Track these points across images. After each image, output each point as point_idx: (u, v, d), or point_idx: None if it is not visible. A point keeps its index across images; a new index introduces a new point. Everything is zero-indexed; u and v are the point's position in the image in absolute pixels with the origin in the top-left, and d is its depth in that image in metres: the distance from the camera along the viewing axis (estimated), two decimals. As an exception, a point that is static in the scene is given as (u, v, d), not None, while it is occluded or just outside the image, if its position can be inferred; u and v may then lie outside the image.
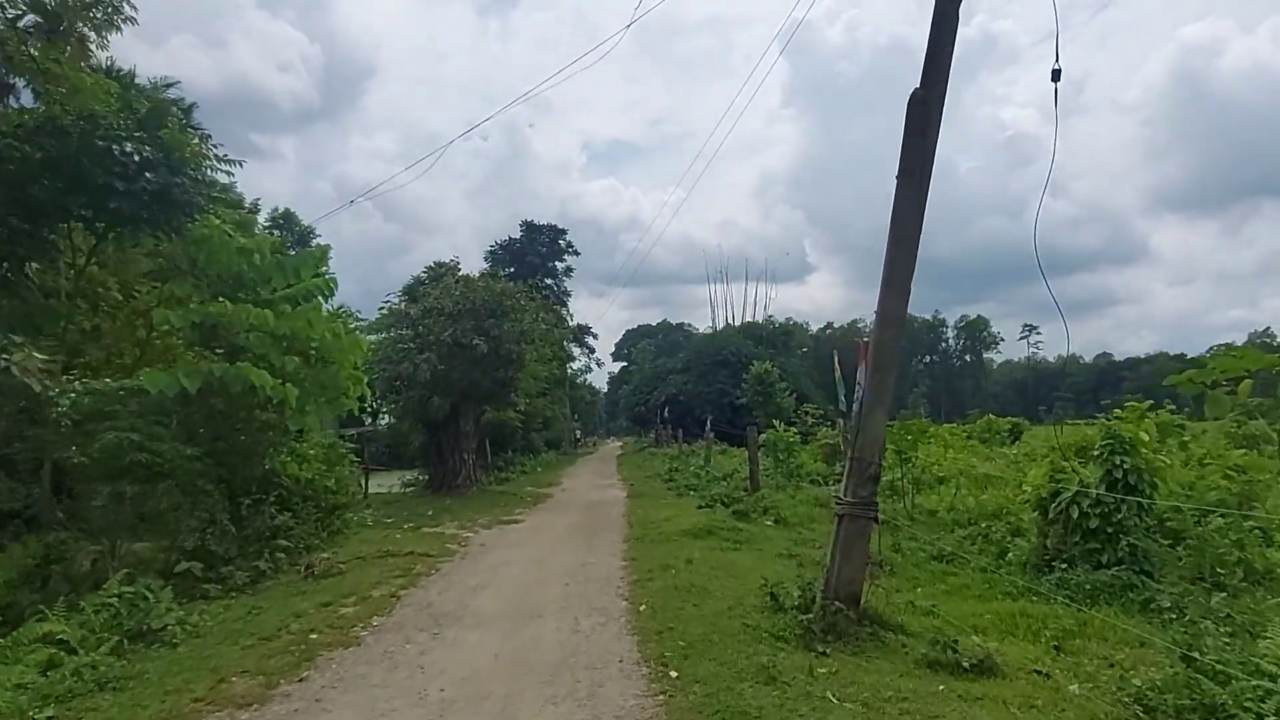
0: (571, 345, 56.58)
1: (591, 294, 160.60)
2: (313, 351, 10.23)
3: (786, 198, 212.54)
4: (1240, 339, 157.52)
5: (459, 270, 20.76)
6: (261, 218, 47.45)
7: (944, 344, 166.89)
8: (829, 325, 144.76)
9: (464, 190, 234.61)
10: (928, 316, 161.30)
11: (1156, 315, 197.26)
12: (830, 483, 19.10)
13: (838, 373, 12.56)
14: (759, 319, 53.14)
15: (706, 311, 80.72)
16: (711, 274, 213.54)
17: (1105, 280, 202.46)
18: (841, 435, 8.83)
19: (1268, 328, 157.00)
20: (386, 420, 24.62)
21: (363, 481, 21.80)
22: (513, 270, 54.40)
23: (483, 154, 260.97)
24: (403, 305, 21.33)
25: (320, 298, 11.37)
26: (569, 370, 56.89)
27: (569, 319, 59.34)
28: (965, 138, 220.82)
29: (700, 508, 15.20)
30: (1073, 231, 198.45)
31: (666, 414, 39.99)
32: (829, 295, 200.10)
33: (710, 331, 49.73)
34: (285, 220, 47.91)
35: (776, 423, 20.88)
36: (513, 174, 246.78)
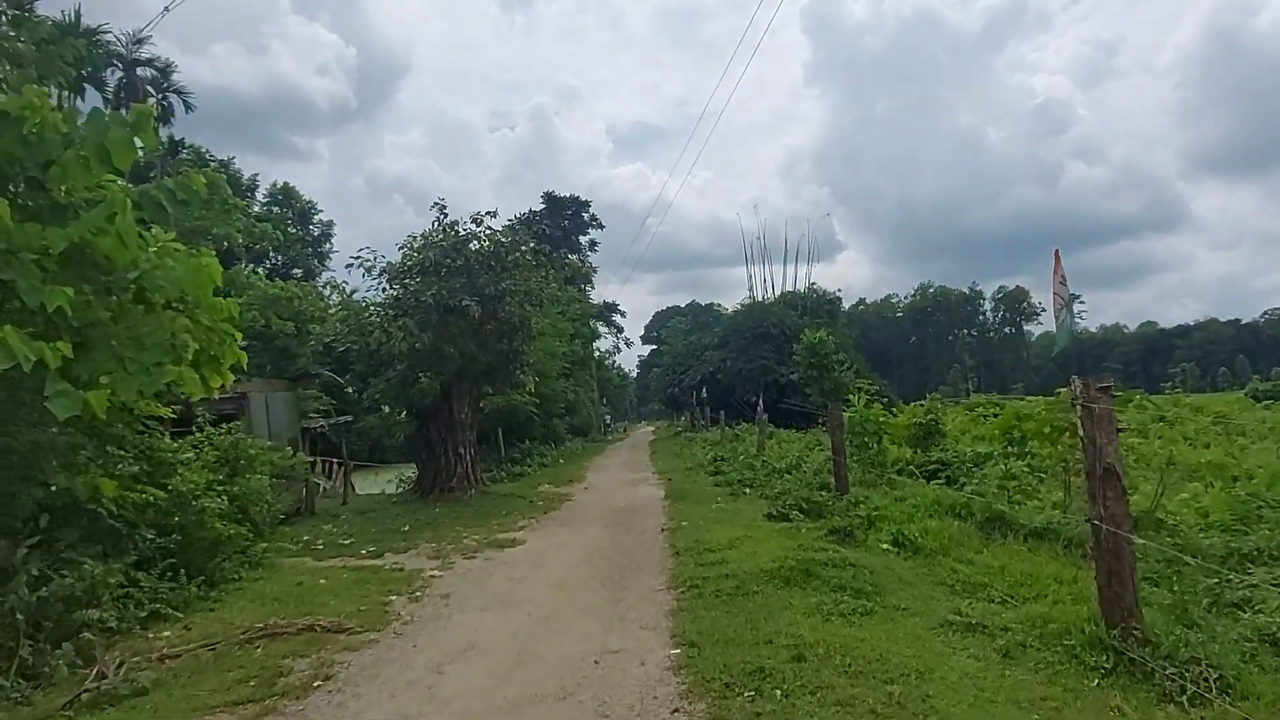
0: (597, 324, 52.31)
1: (620, 280, 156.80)
2: (131, 286, 5.96)
3: (813, 175, 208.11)
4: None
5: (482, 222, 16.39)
6: (260, 194, 43.90)
7: (982, 317, 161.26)
8: (861, 301, 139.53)
9: (492, 181, 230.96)
10: (964, 289, 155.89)
11: (1200, 281, 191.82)
12: (918, 475, 14.63)
13: (1061, 290, 7.93)
14: (799, 290, 48.52)
15: (736, 293, 76.51)
16: (742, 253, 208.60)
17: (1146, 247, 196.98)
18: (1071, 406, 5.02)
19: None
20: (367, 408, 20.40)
21: (342, 486, 17.70)
22: (539, 254, 50.29)
23: (510, 144, 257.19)
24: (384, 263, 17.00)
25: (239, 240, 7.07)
26: (595, 350, 52.67)
27: (592, 295, 55.07)
28: (995, 107, 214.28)
29: (771, 518, 10.80)
30: (1111, 198, 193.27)
31: (704, 394, 35.57)
32: (858, 273, 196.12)
33: (748, 302, 45.22)
34: (285, 196, 44.06)
35: (852, 397, 16.34)
36: (540, 163, 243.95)
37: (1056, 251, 7.57)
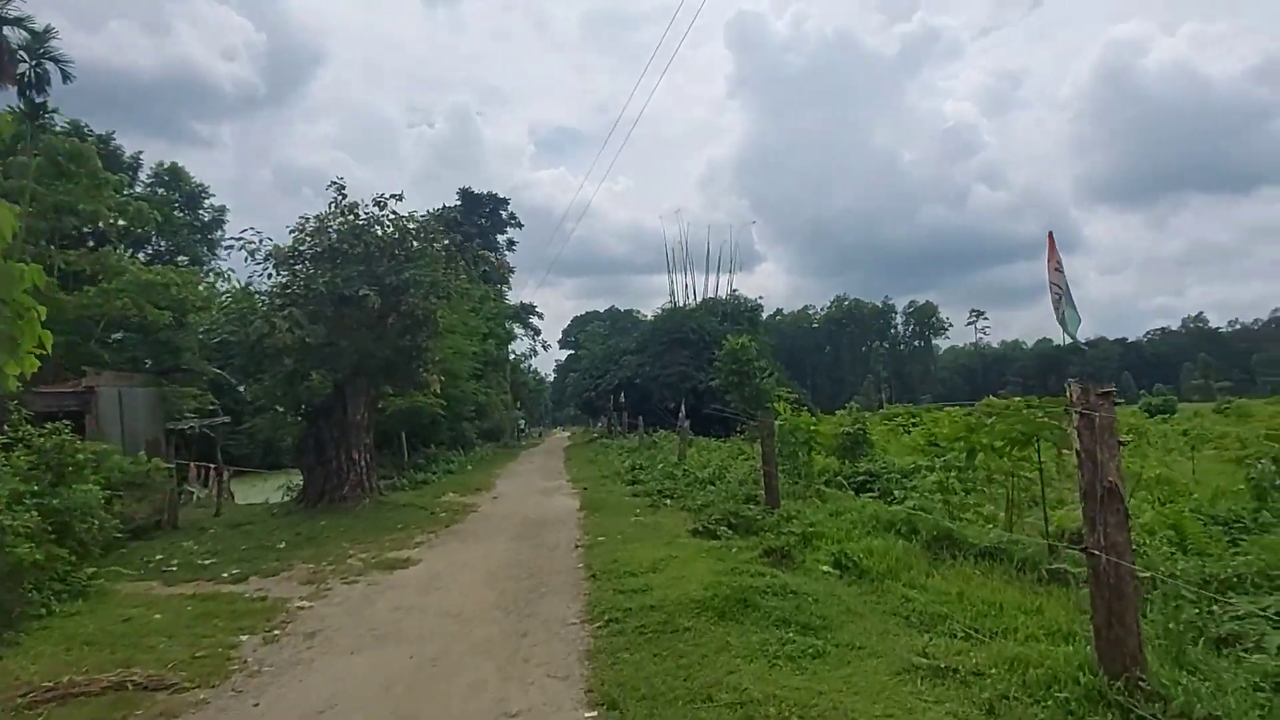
0: (513, 325, 50.77)
1: (538, 282, 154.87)
2: None
3: (734, 187, 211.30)
4: (1167, 324, 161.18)
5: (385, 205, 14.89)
6: (143, 175, 40.73)
7: (893, 330, 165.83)
8: (779, 311, 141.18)
9: (409, 177, 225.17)
10: (877, 303, 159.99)
11: (1090, 301, 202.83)
12: (846, 486, 13.90)
13: (1058, 277, 7.02)
14: (721, 297, 47.98)
15: (656, 300, 75.62)
16: (663, 260, 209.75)
17: (1043, 268, 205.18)
18: (1071, 420, 4.25)
19: (1200, 313, 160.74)
20: (261, 408, 18.52)
21: (217, 495, 15.90)
22: (451, 248, 48.46)
23: (429, 141, 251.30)
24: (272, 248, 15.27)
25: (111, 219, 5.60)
26: (510, 352, 51.06)
27: (509, 296, 53.46)
28: (908, 129, 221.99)
29: (696, 533, 9.75)
30: (1012, 220, 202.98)
31: (622, 399, 34.51)
32: (776, 284, 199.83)
33: (669, 307, 44.33)
34: (171, 177, 41.04)
35: (776, 405, 15.52)
36: (460, 162, 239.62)
37: (1050, 235, 6.73)
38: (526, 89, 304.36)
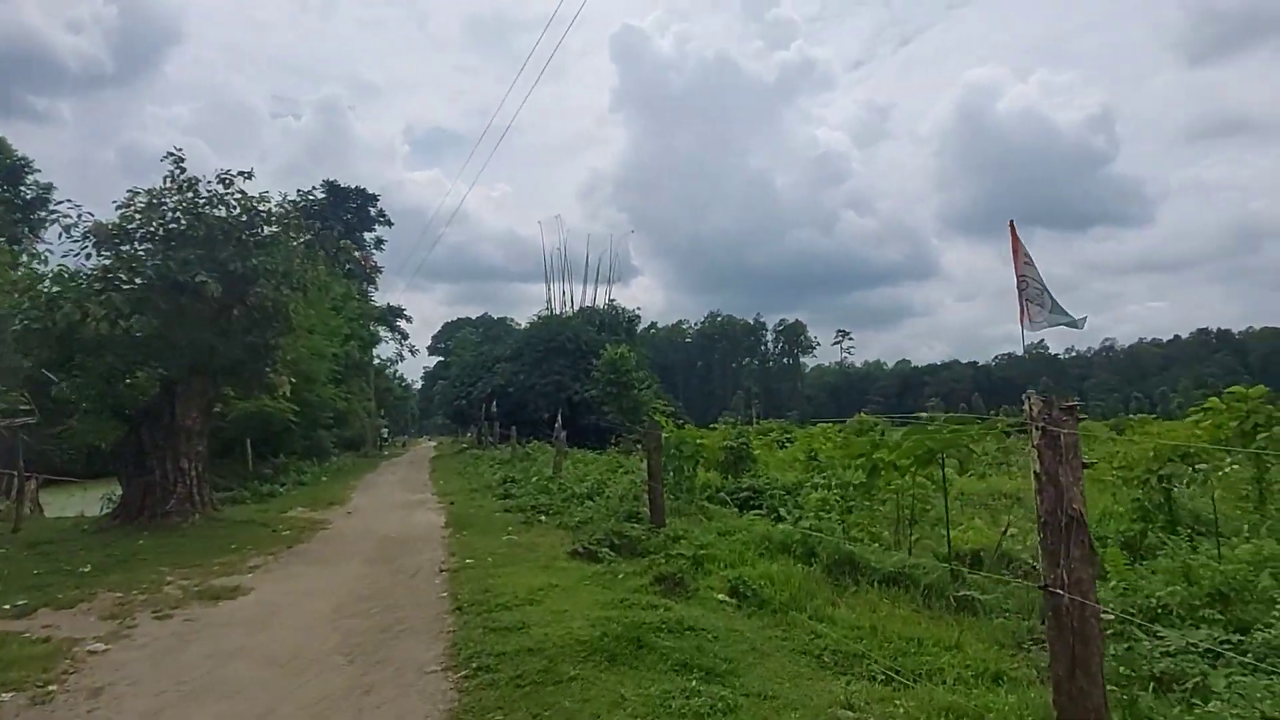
0: (379, 328, 48.34)
1: (409, 285, 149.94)
2: None
3: (613, 199, 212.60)
4: (1013, 350, 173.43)
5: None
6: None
7: (764, 347, 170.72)
8: (653, 325, 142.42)
9: (273, 170, 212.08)
10: (749, 320, 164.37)
11: (945, 326, 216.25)
12: (733, 503, 13.32)
13: (1028, 271, 6.43)
14: (598, 307, 47.16)
15: (531, 309, 73.94)
16: (538, 270, 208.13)
17: (905, 293, 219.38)
18: (1025, 430, 3.68)
19: (1042, 340, 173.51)
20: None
21: (19, 507, 13.70)
22: (309, 239, 45.58)
23: (295, 133, 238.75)
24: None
25: None
26: (375, 357, 48.58)
27: (375, 297, 50.94)
28: (782, 153, 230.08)
29: (577, 555, 8.83)
30: (878, 247, 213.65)
31: (494, 409, 33.11)
32: (652, 298, 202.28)
33: (546, 314, 43.05)
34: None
35: (656, 417, 14.83)
36: (328, 157, 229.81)
37: (1011, 224, 6.17)
38: (403, 86, 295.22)
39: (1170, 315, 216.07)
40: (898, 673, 4.99)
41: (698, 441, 12.87)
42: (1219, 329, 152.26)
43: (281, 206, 13.49)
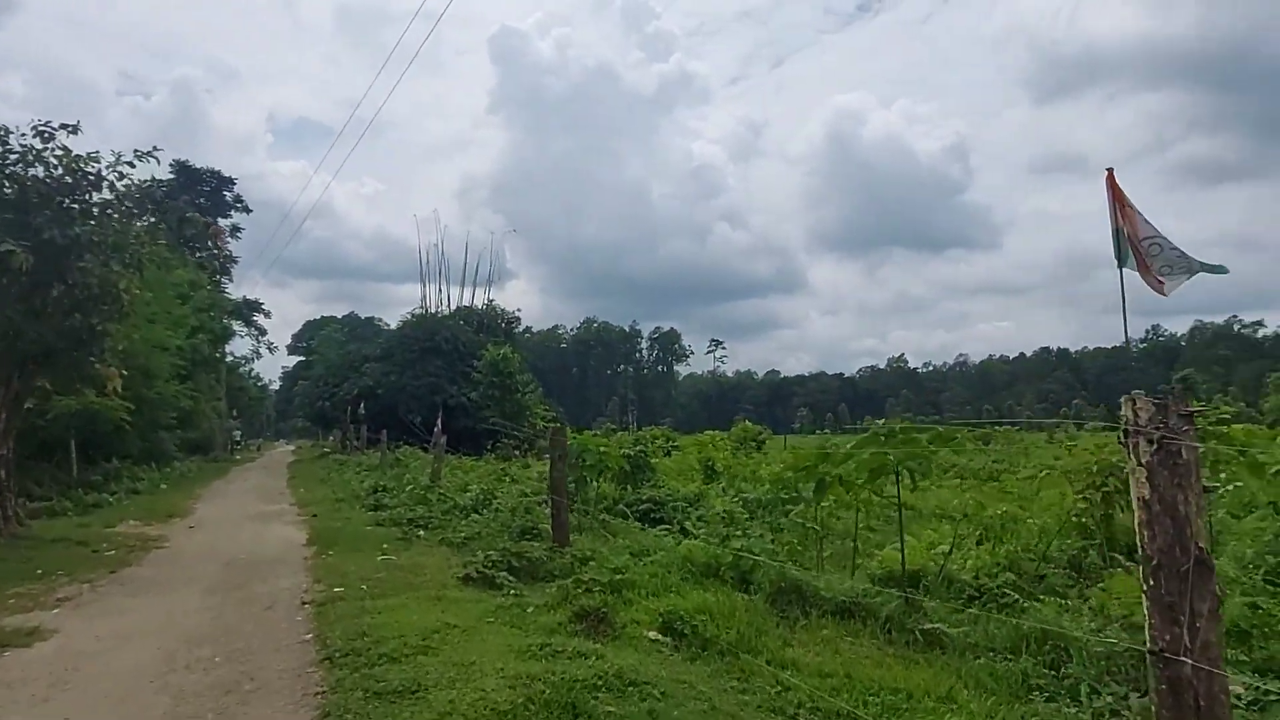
0: (233, 322, 44.73)
1: (271, 283, 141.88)
2: None
3: (489, 202, 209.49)
4: (875, 363, 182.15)
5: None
6: None
7: (638, 354, 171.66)
8: (529, 329, 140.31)
9: (119, 151, 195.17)
10: (625, 327, 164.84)
11: (811, 339, 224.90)
12: (630, 516, 12.28)
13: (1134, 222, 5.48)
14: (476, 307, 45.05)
15: (401, 310, 70.12)
16: (409, 270, 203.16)
17: (773, 306, 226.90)
18: (1121, 444, 2.88)
19: (902, 354, 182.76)
20: None
21: None
22: (154, 221, 41.57)
23: (145, 114, 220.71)
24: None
25: None
26: (228, 353, 44.91)
27: (230, 290, 47.22)
28: (659, 164, 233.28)
29: (470, 581, 7.53)
30: (749, 260, 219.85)
31: (361, 411, 30.81)
32: (528, 302, 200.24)
33: (420, 313, 40.67)
34: None
35: (544, 423, 13.60)
36: (183, 142, 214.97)
37: (1110, 172, 5.31)
38: (267, 73, 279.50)
39: (1015, 335, 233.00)
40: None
41: (601, 449, 11.73)
42: (1059, 348, 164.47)
43: (116, 170, 11.42)
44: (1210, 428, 7.15)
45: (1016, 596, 5.78)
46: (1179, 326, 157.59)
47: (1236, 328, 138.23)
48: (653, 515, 12.45)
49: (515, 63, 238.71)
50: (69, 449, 19.06)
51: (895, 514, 9.59)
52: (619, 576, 6.69)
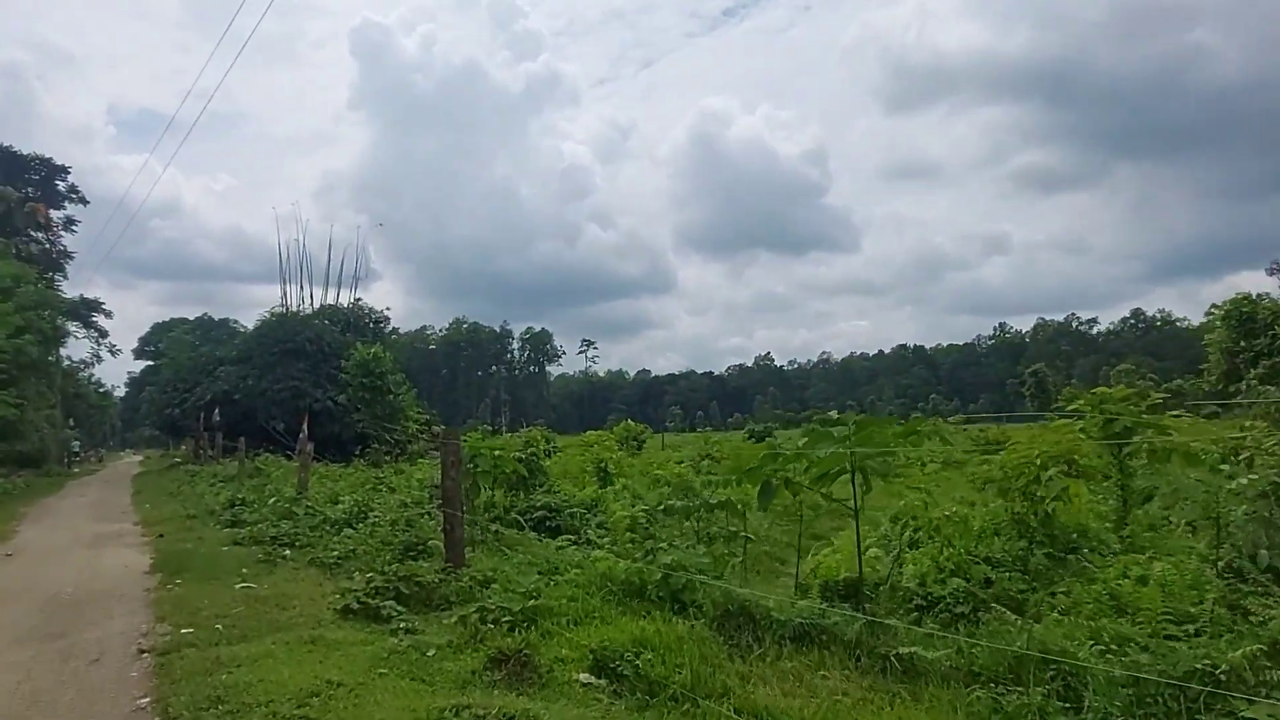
0: (68, 323, 40.58)
1: (115, 285, 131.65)
2: None
3: (351, 201, 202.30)
4: (743, 361, 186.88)
5: None
6: None
7: (510, 355, 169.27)
8: (395, 330, 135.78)
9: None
10: (495, 328, 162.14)
11: (680, 338, 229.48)
12: (524, 525, 11.37)
13: None
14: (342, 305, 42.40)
15: (258, 311, 65.07)
16: (266, 270, 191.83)
17: (644, 306, 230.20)
18: None
19: (768, 352, 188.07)
20: None
21: None
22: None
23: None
24: None
25: None
26: (63, 357, 40.70)
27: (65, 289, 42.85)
28: (528, 164, 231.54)
29: (350, 613, 6.46)
30: (619, 261, 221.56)
31: (216, 418, 28.30)
32: (392, 303, 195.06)
33: (280, 312, 37.77)
34: None
35: (415, 426, 12.49)
36: (11, 134, 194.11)
37: None
38: (108, 59, 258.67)
39: (873, 333, 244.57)
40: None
41: (495, 453, 10.73)
42: (914, 345, 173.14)
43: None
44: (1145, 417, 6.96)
45: (972, 605, 5.34)
46: (1023, 324, 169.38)
47: (1074, 324, 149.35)
48: (548, 524, 11.59)
49: (378, 58, 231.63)
50: None
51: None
52: (532, 603, 5.80)
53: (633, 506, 11.09)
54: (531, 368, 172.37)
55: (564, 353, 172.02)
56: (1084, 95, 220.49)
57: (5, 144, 43.93)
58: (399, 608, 6.42)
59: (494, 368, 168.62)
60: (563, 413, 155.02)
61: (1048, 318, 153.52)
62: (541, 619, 5.68)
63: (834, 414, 8.50)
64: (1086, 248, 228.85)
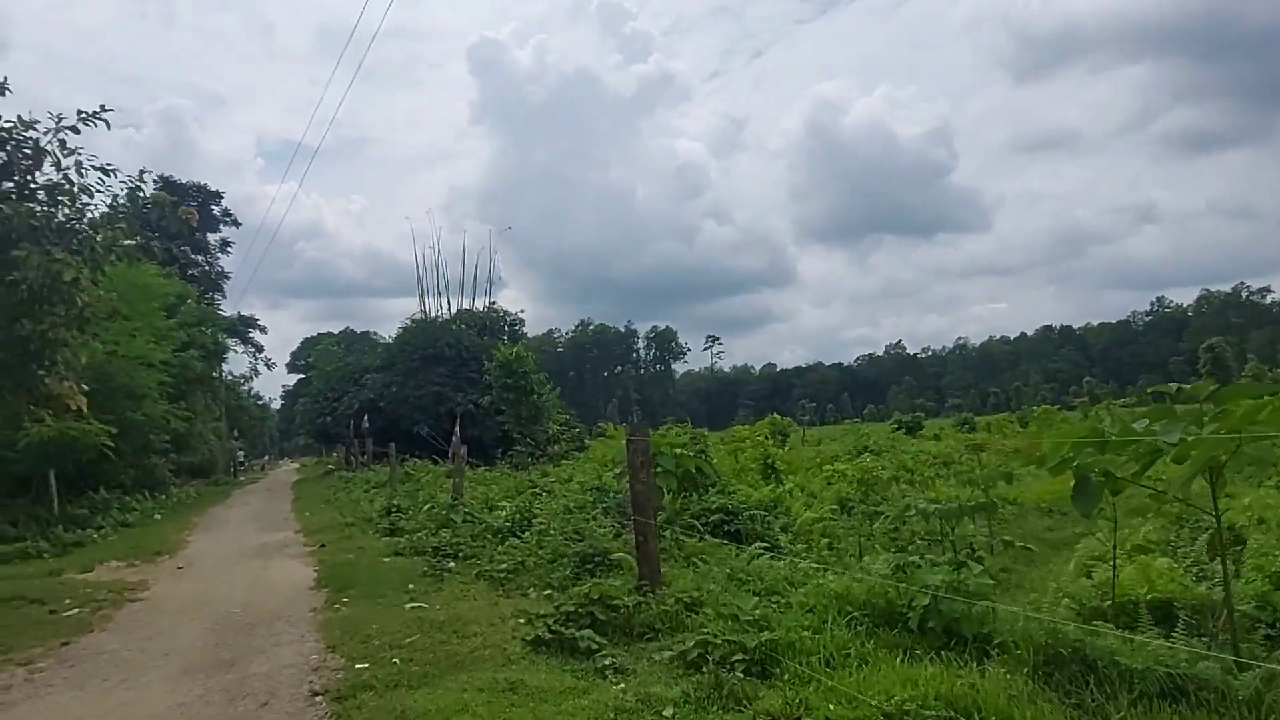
0: (228, 340, 42.65)
1: (268, 305, 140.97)
2: None
3: (477, 212, 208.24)
4: (866, 351, 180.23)
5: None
6: None
7: (635, 354, 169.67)
8: (525, 335, 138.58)
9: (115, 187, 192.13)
10: (620, 327, 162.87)
11: (804, 331, 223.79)
12: (701, 532, 10.25)
13: None
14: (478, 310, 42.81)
15: (395, 324, 67.31)
16: (399, 284, 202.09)
17: (764, 300, 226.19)
18: None
19: (899, 340, 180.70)
20: None
21: None
22: (143, 240, 39.46)
23: (137, 146, 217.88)
24: None
25: None
26: (226, 372, 42.84)
27: (224, 307, 45.16)
28: (642, 165, 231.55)
29: (544, 646, 5.49)
30: (736, 256, 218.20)
31: (365, 425, 28.80)
32: (520, 309, 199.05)
33: (420, 318, 38.48)
34: None
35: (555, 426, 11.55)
36: (175, 172, 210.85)
37: None
38: (249, 96, 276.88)
39: (1011, 315, 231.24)
40: None
41: (676, 451, 9.62)
42: (1061, 325, 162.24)
43: (58, 136, 9.31)
44: None
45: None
46: (1184, 297, 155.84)
47: (1244, 295, 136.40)
48: (724, 527, 10.45)
49: (494, 72, 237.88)
50: (49, 482, 17.00)
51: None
52: (767, 636, 4.65)
53: (807, 509, 9.84)
54: (658, 366, 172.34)
55: (689, 349, 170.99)
56: (1238, 45, 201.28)
57: (165, 174, 46.81)
58: (597, 638, 5.41)
59: (620, 367, 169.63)
60: (690, 409, 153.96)
61: (1213, 289, 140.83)
62: (783, 657, 4.52)
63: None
64: (1251, 210, 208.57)
